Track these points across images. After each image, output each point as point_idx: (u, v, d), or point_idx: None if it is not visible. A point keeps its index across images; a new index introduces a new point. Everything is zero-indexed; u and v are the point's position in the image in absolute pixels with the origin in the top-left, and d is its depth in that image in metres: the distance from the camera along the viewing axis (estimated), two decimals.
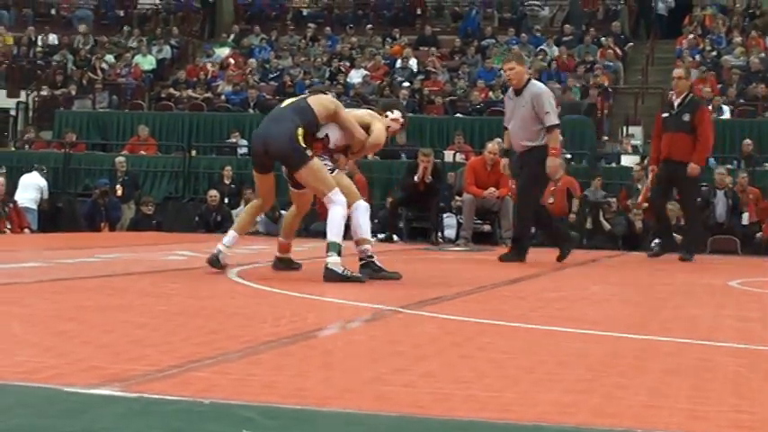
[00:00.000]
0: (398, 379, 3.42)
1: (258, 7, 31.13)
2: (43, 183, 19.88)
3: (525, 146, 10.84)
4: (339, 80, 25.37)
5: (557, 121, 10.91)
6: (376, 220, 18.00)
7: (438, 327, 5.04)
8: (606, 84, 24.34)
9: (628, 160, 20.26)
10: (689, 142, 12.45)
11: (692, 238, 13.38)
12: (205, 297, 6.46)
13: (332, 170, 7.96)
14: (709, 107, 13.38)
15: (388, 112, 8.46)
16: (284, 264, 8.57)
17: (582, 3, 29.15)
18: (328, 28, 29.06)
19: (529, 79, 11.13)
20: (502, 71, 24.88)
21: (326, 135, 8.05)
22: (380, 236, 16.26)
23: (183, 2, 31.29)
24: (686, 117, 12.50)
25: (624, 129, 22.98)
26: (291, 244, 8.73)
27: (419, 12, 29.82)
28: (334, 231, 7.70)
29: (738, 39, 25.74)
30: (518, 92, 10.89)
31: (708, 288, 8.84)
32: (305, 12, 30.96)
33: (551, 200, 17.85)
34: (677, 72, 13.34)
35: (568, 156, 20.15)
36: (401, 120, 8.54)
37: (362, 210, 8.01)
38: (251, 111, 23.61)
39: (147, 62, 27.68)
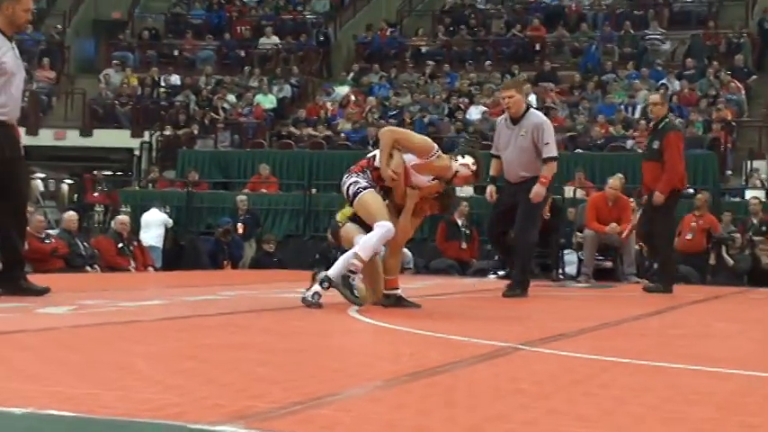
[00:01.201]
0: (521, 416, 3.39)
1: (377, 46, 31.35)
2: (164, 216, 20.22)
3: (523, 176, 10.60)
4: (458, 117, 25.39)
5: (555, 154, 10.71)
6: (496, 257, 17.97)
7: (560, 364, 4.99)
8: (729, 117, 23.97)
9: (755, 195, 19.89)
10: (659, 170, 12.09)
11: (663, 269, 12.68)
12: (326, 334, 6.49)
13: (366, 187, 7.96)
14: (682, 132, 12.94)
15: (459, 156, 8.22)
16: (391, 300, 8.35)
17: (704, 36, 28.79)
18: (447, 65, 29.12)
19: (527, 108, 10.89)
20: (621, 106, 24.92)
21: (374, 155, 8.14)
22: (501, 272, 16.18)
23: (302, 42, 31.67)
24: (656, 144, 12.20)
25: (749, 163, 22.57)
26: (397, 279, 8.52)
27: (538, 47, 29.73)
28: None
29: None
30: (515, 121, 10.63)
31: None
32: (423, 49, 31.06)
33: (690, 236, 17.63)
34: (652, 98, 13.04)
35: (691, 190, 19.88)
36: (472, 167, 8.21)
37: (383, 230, 7.87)
38: (370, 148, 23.74)
39: (267, 101, 28.06)
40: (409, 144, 8.08)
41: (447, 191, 8.43)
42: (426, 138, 8.28)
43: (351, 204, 8.12)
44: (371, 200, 7.96)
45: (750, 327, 8.27)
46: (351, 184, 8.02)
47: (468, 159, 8.21)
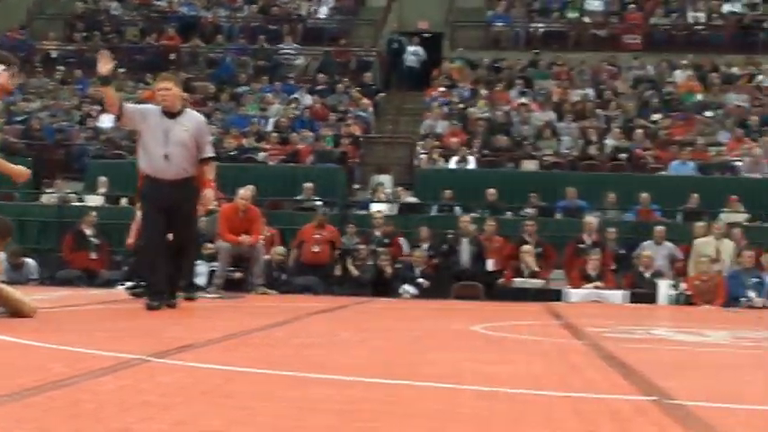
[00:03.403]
0: (147, 428, 3.40)
1: (5, 48, 30.20)
2: None
3: (186, 172, 10.31)
4: (89, 124, 24.92)
5: (215, 153, 10.82)
6: (125, 267, 17.75)
7: (187, 375, 5.02)
8: (358, 133, 24.75)
9: (379, 208, 20.64)
10: None
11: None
12: None
13: None
14: None
15: None
16: None
17: (334, 53, 29.59)
18: (79, 71, 28.48)
19: (184, 105, 10.75)
20: (254, 118, 25.20)
21: None
22: (128, 284, 16.02)
23: None
24: None
25: (375, 177, 23.38)
26: None
27: (173, 57, 29.60)
28: None
29: (484, 92, 26.61)
30: (172, 115, 10.35)
31: (453, 333, 9.09)
32: (54, 54, 30.27)
33: (317, 248, 18.08)
34: None
35: (319, 203, 20.42)
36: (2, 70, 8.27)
37: None
38: None
39: None
40: None
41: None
42: None
43: None
44: None
45: (373, 335, 8.57)
46: None
47: None
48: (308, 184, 20.82)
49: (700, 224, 19.30)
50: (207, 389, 4.48)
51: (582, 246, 18.62)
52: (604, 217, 20.33)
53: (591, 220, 19.13)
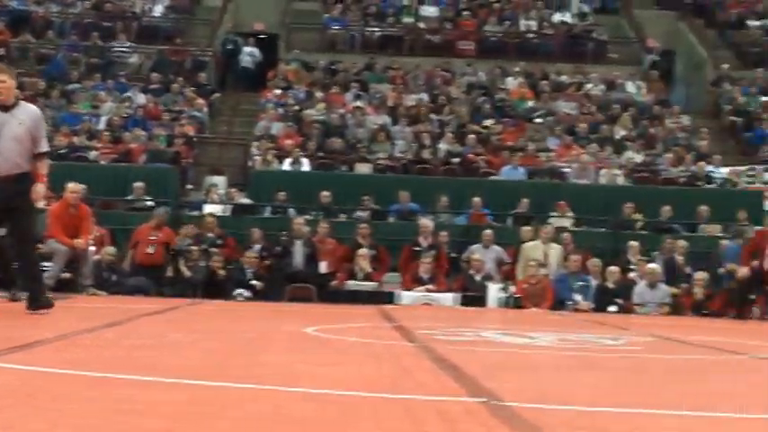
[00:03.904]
0: None
1: None
2: None
3: (20, 168, 9.99)
4: None
5: (49, 148, 10.54)
6: None
7: (15, 377, 4.93)
8: (191, 133, 24.55)
9: (212, 209, 20.51)
10: None
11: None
12: None
13: None
14: None
15: None
16: None
17: (169, 52, 29.29)
18: None
19: (18, 98, 10.44)
20: (86, 116, 24.76)
21: None
22: None
23: None
24: None
25: (209, 178, 23.23)
26: None
27: (2, 52, 28.85)
28: None
29: (319, 94, 26.70)
30: (6, 108, 10.05)
31: (285, 335, 9.13)
32: None
33: (151, 250, 17.85)
34: None
35: (151, 203, 20.17)
36: None
37: None
38: None
39: None
40: None
41: None
42: None
43: None
44: None
45: (204, 337, 8.55)
46: None
47: None
48: (139, 184, 20.55)
49: (527, 228, 19.71)
50: (32, 391, 4.41)
51: (418, 249, 18.84)
52: (437, 220, 20.59)
53: (426, 223, 19.37)
